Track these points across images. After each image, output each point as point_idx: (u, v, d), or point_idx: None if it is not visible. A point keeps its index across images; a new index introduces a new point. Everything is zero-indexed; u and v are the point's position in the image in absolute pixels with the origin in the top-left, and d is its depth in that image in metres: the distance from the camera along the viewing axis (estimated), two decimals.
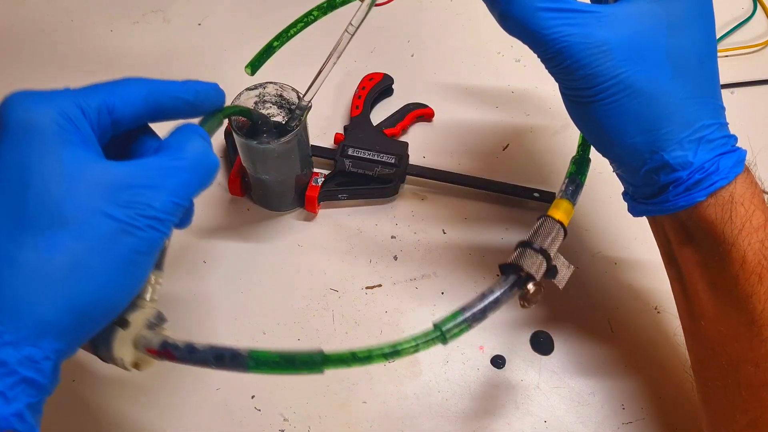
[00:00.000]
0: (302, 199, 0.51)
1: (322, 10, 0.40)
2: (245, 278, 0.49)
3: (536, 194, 0.52)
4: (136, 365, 0.32)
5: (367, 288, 0.49)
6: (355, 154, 0.52)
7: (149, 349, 0.31)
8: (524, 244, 0.35)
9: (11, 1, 0.66)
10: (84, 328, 0.28)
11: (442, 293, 0.48)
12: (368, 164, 0.51)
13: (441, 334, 0.31)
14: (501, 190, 0.52)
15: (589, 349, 0.46)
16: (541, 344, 0.46)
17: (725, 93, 0.59)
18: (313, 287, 0.48)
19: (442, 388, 0.44)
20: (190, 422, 0.43)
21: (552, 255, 0.35)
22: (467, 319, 0.32)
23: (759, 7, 0.66)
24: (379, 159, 0.51)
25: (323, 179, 0.51)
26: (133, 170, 0.29)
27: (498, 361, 0.45)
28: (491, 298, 0.32)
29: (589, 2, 0.34)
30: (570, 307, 0.48)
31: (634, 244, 0.50)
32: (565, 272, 0.36)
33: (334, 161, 0.52)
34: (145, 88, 0.31)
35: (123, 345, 0.31)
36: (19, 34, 0.64)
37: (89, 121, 0.29)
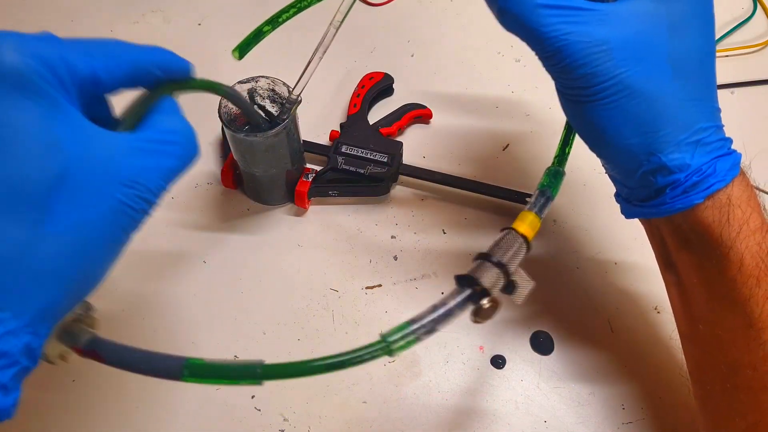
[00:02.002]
0: (293, 193, 0.51)
1: None
2: (244, 278, 0.49)
3: (528, 199, 0.51)
4: (63, 358, 0.30)
5: (367, 288, 0.49)
6: (348, 151, 0.52)
7: (74, 348, 0.29)
8: (483, 257, 0.33)
9: (11, 1, 0.66)
10: (72, 307, 0.28)
11: (442, 293, 0.48)
12: (360, 162, 0.51)
13: (386, 345, 0.30)
14: (493, 193, 0.52)
15: (589, 349, 0.46)
16: (541, 344, 0.46)
17: (725, 93, 0.60)
18: (313, 287, 0.48)
19: (442, 388, 0.44)
20: (190, 422, 0.43)
21: (512, 269, 0.33)
22: (415, 330, 0.30)
23: (759, 7, 0.66)
24: (371, 157, 0.51)
25: (314, 175, 0.51)
26: (132, 145, 0.28)
27: (498, 361, 0.45)
28: (442, 311, 0.31)
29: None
30: (570, 307, 0.48)
31: (635, 244, 0.50)
32: (524, 288, 0.34)
33: (328, 158, 0.52)
34: (130, 63, 0.29)
35: (47, 339, 0.28)
36: None
37: (76, 85, 0.27)
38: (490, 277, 0.32)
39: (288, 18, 0.39)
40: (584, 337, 0.46)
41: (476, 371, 0.45)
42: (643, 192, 0.36)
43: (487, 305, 0.32)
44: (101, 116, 0.31)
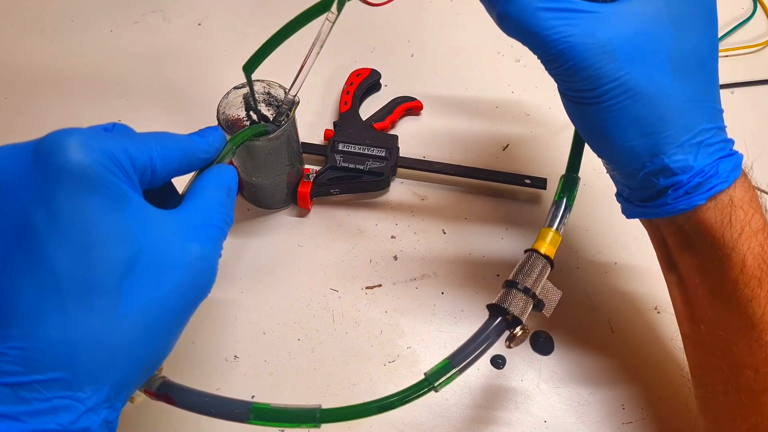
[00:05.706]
0: (295, 195, 0.51)
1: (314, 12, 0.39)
2: (245, 278, 0.49)
3: (527, 180, 0.52)
4: (131, 399, 0.32)
5: (367, 288, 0.49)
6: (345, 149, 0.52)
7: (147, 391, 0.32)
8: (509, 284, 0.35)
9: (11, 2, 0.66)
10: (145, 379, 0.30)
11: (442, 293, 0.48)
12: (359, 158, 0.52)
13: (430, 384, 0.32)
14: (491, 177, 0.53)
15: (589, 350, 0.46)
16: (541, 344, 0.46)
17: (725, 93, 0.60)
18: (313, 287, 0.48)
19: None
20: (189, 422, 0.43)
21: (538, 291, 0.35)
22: (455, 364, 0.32)
23: (759, 7, 0.66)
24: (369, 153, 0.52)
25: (315, 175, 0.51)
26: (188, 222, 0.30)
27: (498, 361, 0.45)
28: (477, 342, 0.33)
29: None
30: (570, 307, 0.48)
31: (635, 244, 0.50)
32: (552, 300, 0.36)
33: (325, 157, 0.52)
34: (180, 150, 0.31)
35: None
36: (19, 36, 0.64)
37: (138, 174, 0.29)
38: (519, 305, 0.34)
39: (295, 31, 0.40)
40: (584, 337, 0.46)
41: (476, 371, 0.45)
42: (644, 192, 0.35)
43: (519, 333, 0.33)
44: (168, 199, 0.33)
